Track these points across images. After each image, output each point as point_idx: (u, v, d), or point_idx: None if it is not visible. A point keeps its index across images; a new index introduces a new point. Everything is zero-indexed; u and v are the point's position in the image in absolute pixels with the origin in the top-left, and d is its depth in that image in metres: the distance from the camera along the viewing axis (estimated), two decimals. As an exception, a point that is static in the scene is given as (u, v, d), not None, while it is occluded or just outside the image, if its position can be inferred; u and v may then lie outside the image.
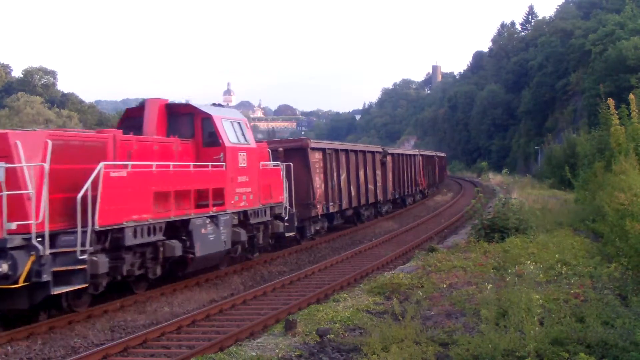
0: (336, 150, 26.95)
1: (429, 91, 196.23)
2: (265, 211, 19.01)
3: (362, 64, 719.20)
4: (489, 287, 11.03)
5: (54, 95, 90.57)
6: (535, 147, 65.47)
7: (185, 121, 17.03)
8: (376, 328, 9.28)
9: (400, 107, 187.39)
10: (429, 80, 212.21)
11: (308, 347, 9.01)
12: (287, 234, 20.80)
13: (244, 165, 17.58)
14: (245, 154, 17.68)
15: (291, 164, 21.44)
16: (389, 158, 34.99)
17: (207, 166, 16.17)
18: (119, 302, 14.05)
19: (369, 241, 24.35)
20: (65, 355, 11.06)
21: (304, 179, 23.17)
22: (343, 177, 26.98)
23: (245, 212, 17.88)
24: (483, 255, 15.45)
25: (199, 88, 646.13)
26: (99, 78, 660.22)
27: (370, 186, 30.91)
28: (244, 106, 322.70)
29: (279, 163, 20.52)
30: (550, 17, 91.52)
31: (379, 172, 32.75)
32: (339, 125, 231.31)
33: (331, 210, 25.45)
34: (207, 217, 15.99)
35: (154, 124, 16.43)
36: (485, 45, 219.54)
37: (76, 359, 10.36)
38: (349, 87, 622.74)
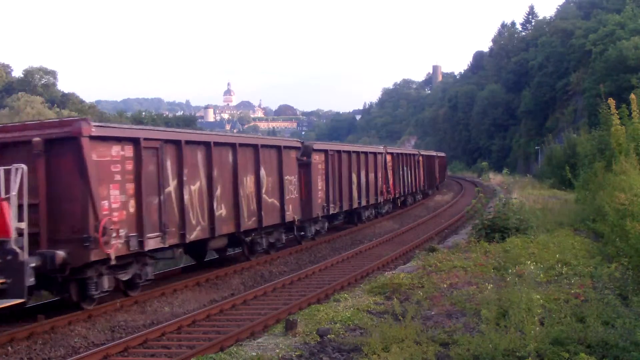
0: (175, 142, 15.85)
1: (429, 91, 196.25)
2: None
3: (362, 64, 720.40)
4: (489, 287, 11.03)
5: (54, 95, 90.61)
6: (536, 147, 65.49)
7: None
8: (377, 328, 9.27)
9: (400, 107, 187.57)
10: (429, 80, 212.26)
11: (308, 347, 9.01)
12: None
13: None
14: None
15: (23, 167, 11.96)
16: (316, 157, 24.45)
17: None
18: (119, 302, 14.05)
19: (369, 241, 24.34)
20: (66, 355, 11.08)
21: (77, 194, 13.06)
22: (195, 187, 16.56)
23: None
24: (483, 255, 15.44)
25: (199, 88, 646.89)
26: (99, 78, 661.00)
27: (272, 200, 20.58)
28: (244, 106, 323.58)
29: None
30: (551, 17, 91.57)
31: (292, 177, 22.20)
32: (340, 126, 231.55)
33: (154, 245, 14.76)
34: None
35: None
36: (485, 45, 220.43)
37: (76, 359, 10.38)
38: (349, 87, 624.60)
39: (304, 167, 23.36)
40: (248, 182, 19.18)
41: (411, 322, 9.11)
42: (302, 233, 23.56)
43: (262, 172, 19.90)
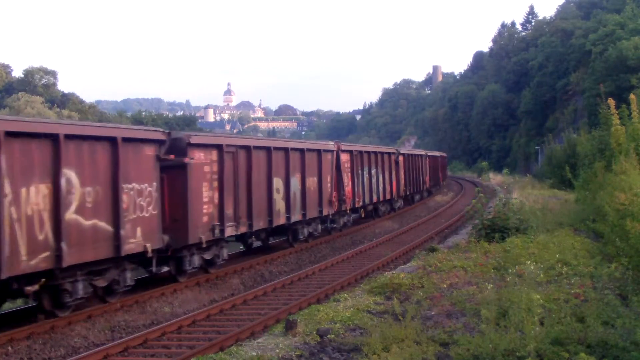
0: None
1: (429, 91, 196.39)
2: None
3: (362, 64, 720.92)
4: (489, 287, 11.02)
5: (54, 95, 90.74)
6: (536, 147, 65.51)
7: None
8: (377, 328, 9.27)
9: (400, 107, 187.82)
10: (429, 80, 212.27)
11: (308, 347, 9.01)
12: None
13: None
14: None
15: None
16: (200, 156, 16.61)
17: None
18: (119, 302, 14.05)
19: (369, 241, 24.36)
20: (66, 355, 11.09)
21: None
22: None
23: None
24: (483, 255, 15.43)
25: (199, 88, 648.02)
26: (99, 78, 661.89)
27: (93, 222, 13.12)
28: (245, 106, 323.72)
29: None
30: (551, 17, 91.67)
31: (143, 186, 14.59)
32: (340, 126, 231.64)
33: None
34: None
35: None
36: (485, 45, 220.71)
37: (76, 359, 10.38)
38: (349, 87, 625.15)
39: (174, 171, 15.77)
40: (31, 196, 11.67)
41: (411, 322, 9.12)
42: (169, 268, 16.25)
43: (70, 178, 12.50)
